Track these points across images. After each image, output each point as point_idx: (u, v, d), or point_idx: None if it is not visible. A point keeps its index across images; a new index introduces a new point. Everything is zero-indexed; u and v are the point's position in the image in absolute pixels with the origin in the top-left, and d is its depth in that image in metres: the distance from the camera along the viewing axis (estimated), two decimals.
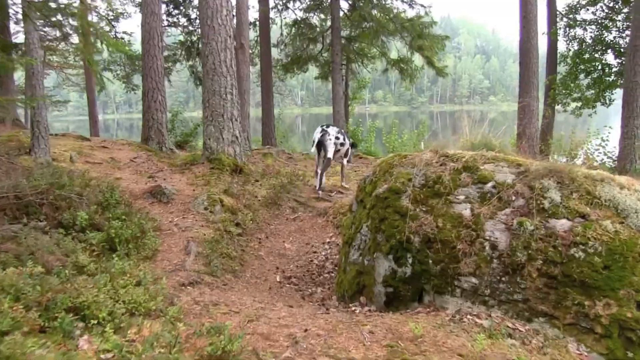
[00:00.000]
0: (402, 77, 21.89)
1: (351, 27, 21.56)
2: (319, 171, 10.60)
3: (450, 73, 21.11)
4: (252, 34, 23.31)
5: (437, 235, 4.70)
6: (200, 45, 15.41)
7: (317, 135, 10.88)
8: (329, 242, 7.76)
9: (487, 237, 4.50)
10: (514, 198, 4.66)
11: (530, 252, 4.31)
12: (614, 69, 20.31)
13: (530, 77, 16.87)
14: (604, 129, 18.63)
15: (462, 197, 4.83)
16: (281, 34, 22.86)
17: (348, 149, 11.23)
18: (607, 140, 18.82)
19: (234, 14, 15.75)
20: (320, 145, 10.58)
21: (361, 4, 19.84)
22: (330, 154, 10.39)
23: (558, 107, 21.01)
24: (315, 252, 7.42)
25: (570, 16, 20.59)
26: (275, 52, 23.41)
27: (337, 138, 10.68)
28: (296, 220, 8.55)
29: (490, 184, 4.80)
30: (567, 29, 20.54)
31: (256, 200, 8.88)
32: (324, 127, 11.08)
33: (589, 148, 19.59)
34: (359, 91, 23.87)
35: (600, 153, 19.05)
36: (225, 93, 10.73)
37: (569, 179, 4.65)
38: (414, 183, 5.11)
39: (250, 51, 22.79)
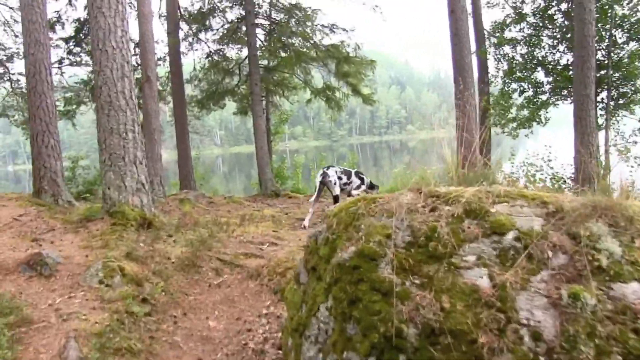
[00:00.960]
0: (330, 106, 20.42)
1: (269, 56, 20.02)
2: (310, 210, 11.07)
3: (370, 103, 19.62)
4: (162, 70, 21.47)
5: (443, 323, 2.93)
6: None
7: (318, 178, 11.23)
8: (266, 315, 5.94)
9: (524, 321, 2.81)
10: (550, 254, 3.04)
11: (598, 341, 2.70)
12: (548, 87, 19.60)
13: (467, 95, 15.71)
14: (546, 147, 17.73)
15: (472, 259, 3.15)
16: (194, 69, 21.03)
17: (357, 186, 11.62)
18: (549, 159, 17.92)
19: (138, 42, 13.87)
20: (322, 185, 11.19)
21: (279, 30, 18.40)
22: (337, 192, 10.97)
23: (496, 129, 20.05)
24: (249, 331, 5.57)
25: (497, 34, 19.80)
26: (189, 89, 21.59)
27: (339, 178, 11.19)
28: (222, 287, 6.66)
29: (510, 235, 3.15)
30: (496, 47, 19.73)
31: (169, 263, 6.94)
32: (324, 169, 11.29)
33: (529, 169, 18.67)
34: (280, 125, 22.26)
35: (544, 173, 18.12)
36: (126, 131, 8.77)
37: (625, 219, 3.11)
38: (395, 241, 3.39)
39: (160, 87, 20.90)
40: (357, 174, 12.01)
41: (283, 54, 19.83)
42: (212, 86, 20.28)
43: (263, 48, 19.38)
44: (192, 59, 21.39)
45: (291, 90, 20.68)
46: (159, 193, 12.87)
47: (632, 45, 17.56)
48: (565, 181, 15.93)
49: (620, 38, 17.86)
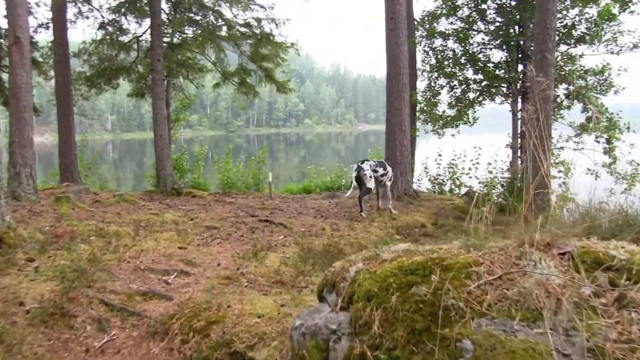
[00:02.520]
0: (242, 92, 17.94)
1: (173, 32, 17.33)
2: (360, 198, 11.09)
3: (284, 91, 17.27)
4: (44, 39, 18.29)
5: None
6: None
7: (353, 174, 11.34)
8: None
9: None
10: None
11: None
12: (475, 85, 18.17)
13: (401, 89, 13.83)
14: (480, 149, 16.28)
15: None
16: (84, 41, 17.91)
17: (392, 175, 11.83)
18: (477, 162, 16.46)
19: None
20: (359, 181, 11.04)
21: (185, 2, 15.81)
22: (371, 186, 10.95)
23: (426, 127, 18.45)
24: None
25: (427, 26, 18.15)
26: (77, 64, 18.50)
27: (375, 171, 11.11)
28: (107, 353, 4.24)
29: None
30: (428, 39, 18.08)
31: (21, 313, 4.48)
32: (359, 164, 11.08)
33: (456, 171, 17.19)
34: (182, 111, 19.55)
35: (471, 177, 16.69)
36: None
37: None
38: None
39: (40, 59, 17.74)
40: (388, 162, 12.09)
41: (190, 31, 17.32)
42: (104, 62, 17.25)
43: (166, 23, 16.73)
44: (82, 29, 18.31)
45: (197, 72, 18.06)
46: (28, 189, 10.11)
47: (563, 47, 16.38)
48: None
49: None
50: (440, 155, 16.98)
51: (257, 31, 16.63)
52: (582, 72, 15.73)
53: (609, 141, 15.00)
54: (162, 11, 15.10)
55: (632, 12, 14.73)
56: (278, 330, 4.06)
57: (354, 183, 11.44)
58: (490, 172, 15.71)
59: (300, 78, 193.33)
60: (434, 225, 10.51)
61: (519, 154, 16.79)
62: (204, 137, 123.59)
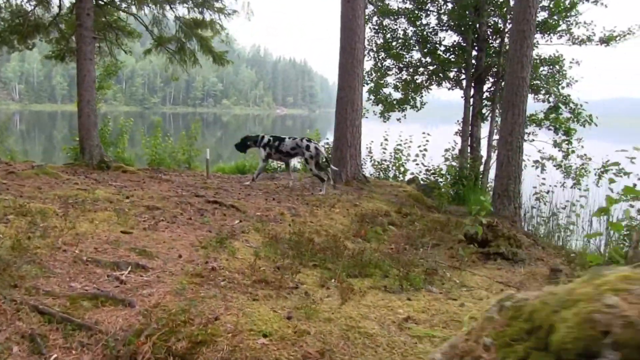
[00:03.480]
0: (184, 59, 16.31)
1: None
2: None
3: (222, 63, 15.81)
4: None
5: None
6: None
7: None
8: None
9: None
10: None
11: None
12: (429, 69, 17.46)
13: (355, 65, 12.76)
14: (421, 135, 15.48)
15: None
16: None
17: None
18: (425, 149, 15.66)
19: None
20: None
21: None
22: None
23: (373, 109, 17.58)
24: None
25: (379, 3, 17.20)
26: None
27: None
28: None
29: None
30: (379, 17, 17.16)
31: None
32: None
33: (400, 157, 16.34)
34: (107, 79, 17.71)
35: (418, 164, 15.88)
36: None
37: None
38: None
39: None
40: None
41: None
42: (17, 17, 15.27)
43: None
44: None
45: (127, 35, 16.28)
46: None
47: None
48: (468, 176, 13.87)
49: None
50: (386, 140, 16.08)
51: None
52: (536, 61, 15.22)
53: (567, 133, 14.57)
54: None
55: (595, 1, 14.31)
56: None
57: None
58: (445, 161, 14.93)
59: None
60: (398, 213, 9.57)
61: (469, 142, 16.15)
62: (119, 112, 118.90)
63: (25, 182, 8.86)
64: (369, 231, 7.67)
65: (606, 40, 14.73)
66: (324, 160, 11.60)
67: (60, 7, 15.15)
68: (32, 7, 15.26)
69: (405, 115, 17.82)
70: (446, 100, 18.34)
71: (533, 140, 16.03)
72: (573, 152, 14.58)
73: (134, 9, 16.07)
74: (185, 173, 13.83)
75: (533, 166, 14.85)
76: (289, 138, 11.54)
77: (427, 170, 15.72)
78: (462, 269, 5.85)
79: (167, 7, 15.63)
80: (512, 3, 13.99)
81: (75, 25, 12.51)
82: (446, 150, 15.59)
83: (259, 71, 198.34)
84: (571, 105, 14.85)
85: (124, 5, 15.53)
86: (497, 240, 6.73)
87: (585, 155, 14.42)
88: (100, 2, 15.06)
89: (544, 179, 13.70)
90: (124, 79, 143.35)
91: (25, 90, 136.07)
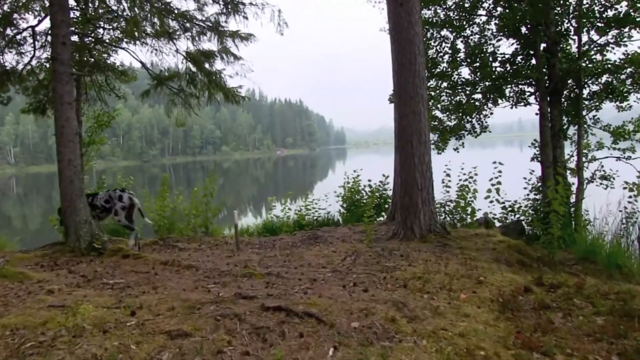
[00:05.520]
0: (183, 103, 13.21)
1: (84, 26, 12.57)
2: None
3: (235, 101, 12.49)
4: None
5: None
6: None
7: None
8: None
9: None
10: None
11: None
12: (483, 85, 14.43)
13: (418, 85, 9.60)
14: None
15: None
16: None
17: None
18: (499, 182, 12.50)
19: None
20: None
21: None
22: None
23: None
24: None
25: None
26: None
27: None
28: None
29: None
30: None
31: None
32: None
33: (465, 195, 13.13)
34: (98, 132, 14.54)
35: (492, 201, 12.66)
36: None
37: None
38: None
39: None
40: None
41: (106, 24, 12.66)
42: None
43: (77, 10, 12.04)
44: None
45: (118, 75, 13.15)
46: None
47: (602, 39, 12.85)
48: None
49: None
50: (448, 175, 12.93)
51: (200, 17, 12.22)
52: (614, 63, 12.26)
53: None
54: None
55: None
56: None
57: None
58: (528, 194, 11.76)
59: (214, 104, 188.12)
60: (540, 286, 6.35)
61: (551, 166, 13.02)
62: (118, 167, 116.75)
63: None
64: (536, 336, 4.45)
65: None
66: (139, 210, 10.32)
67: (34, 48, 12.04)
68: (1, 49, 12.22)
69: (463, 143, 14.69)
70: (502, 122, 15.26)
71: (630, 157, 12.96)
72: None
73: (125, 45, 13.05)
74: (206, 242, 10.70)
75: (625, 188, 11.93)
76: (103, 192, 10.23)
77: (503, 207, 12.57)
78: None
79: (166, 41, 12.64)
80: None
81: (51, 57, 9.36)
82: (525, 180, 12.52)
83: (255, 114, 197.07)
84: None
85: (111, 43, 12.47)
86: None
87: None
88: (85, 40, 12.04)
89: None
90: (120, 133, 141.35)
91: (21, 152, 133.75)
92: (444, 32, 14.09)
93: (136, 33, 11.49)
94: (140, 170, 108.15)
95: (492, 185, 12.19)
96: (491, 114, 14.53)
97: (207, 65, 13.05)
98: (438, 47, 14.01)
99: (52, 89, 8.77)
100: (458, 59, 14.05)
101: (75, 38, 12.23)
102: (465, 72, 14.38)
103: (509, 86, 13.91)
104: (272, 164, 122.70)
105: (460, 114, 14.38)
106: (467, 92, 14.37)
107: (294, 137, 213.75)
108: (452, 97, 14.55)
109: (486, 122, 14.59)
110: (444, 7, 13.78)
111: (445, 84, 14.56)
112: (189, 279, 6.59)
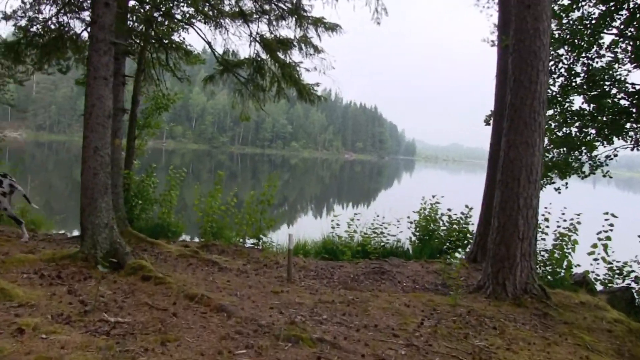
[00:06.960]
0: (251, 95, 11.57)
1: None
2: None
3: (311, 100, 10.58)
4: None
5: None
6: None
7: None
8: None
9: None
10: None
11: None
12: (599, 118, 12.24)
13: (536, 110, 7.55)
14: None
15: None
16: None
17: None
18: (608, 238, 10.26)
19: None
20: None
21: None
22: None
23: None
24: None
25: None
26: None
27: None
28: None
29: None
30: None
31: None
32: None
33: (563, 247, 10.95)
34: (155, 116, 13.05)
35: (597, 259, 10.46)
36: None
37: None
38: None
39: None
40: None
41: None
42: (32, 24, 10.78)
43: None
44: None
45: (182, 54, 11.57)
46: None
47: None
48: None
49: None
50: (546, 219, 10.82)
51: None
52: None
53: None
54: None
55: None
56: None
57: None
58: None
59: (290, 99, 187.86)
60: None
61: None
62: (187, 150, 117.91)
63: None
64: None
65: None
66: (24, 197, 9.62)
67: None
68: (55, 12, 10.85)
69: (567, 183, 12.53)
70: (624, 155, 12.79)
71: None
72: None
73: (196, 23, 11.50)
74: (254, 261, 9.06)
75: None
76: None
77: (610, 268, 10.37)
78: None
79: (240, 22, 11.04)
80: None
81: (90, 20, 7.83)
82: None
83: (329, 115, 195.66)
84: None
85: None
86: None
87: None
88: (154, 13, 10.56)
89: None
90: (194, 117, 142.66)
91: (75, 121, 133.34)
92: (561, 51, 11.97)
93: (207, 10, 9.88)
94: (208, 155, 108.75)
95: (599, 239, 10.04)
96: (615, 155, 12.30)
97: (281, 55, 11.39)
98: (553, 68, 11.88)
99: (88, 59, 7.13)
100: (574, 83, 11.92)
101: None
102: (578, 100, 12.15)
103: (634, 124, 11.70)
104: (339, 167, 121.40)
105: (566, 149, 12.26)
106: (577, 124, 12.21)
107: (364, 143, 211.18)
108: (559, 128, 12.42)
109: (599, 161, 12.38)
110: (569, 19, 11.67)
111: (551, 112, 12.43)
112: (213, 333, 4.84)
